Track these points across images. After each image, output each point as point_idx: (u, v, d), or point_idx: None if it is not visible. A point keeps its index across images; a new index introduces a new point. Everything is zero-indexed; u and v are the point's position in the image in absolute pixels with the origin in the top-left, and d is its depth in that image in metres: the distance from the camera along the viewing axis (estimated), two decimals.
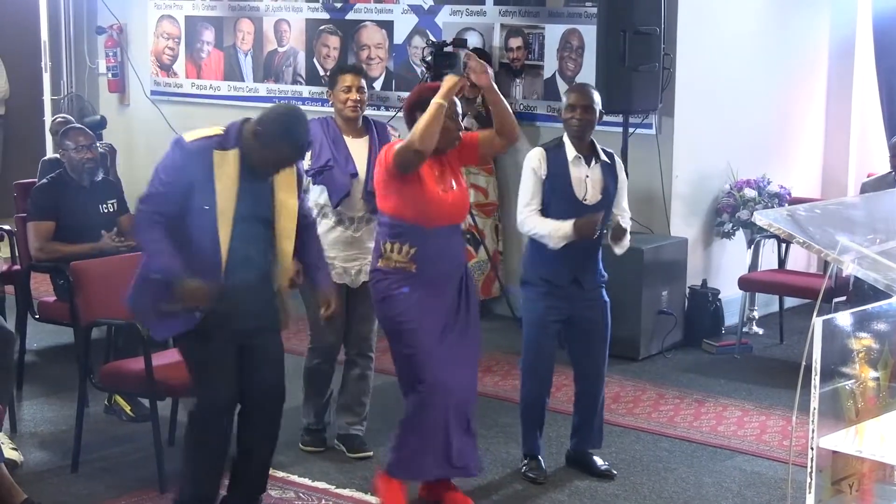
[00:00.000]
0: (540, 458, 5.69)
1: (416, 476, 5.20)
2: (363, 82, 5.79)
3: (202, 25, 10.03)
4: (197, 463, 4.87)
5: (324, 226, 5.67)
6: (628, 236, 5.54)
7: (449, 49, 8.13)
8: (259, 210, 4.76)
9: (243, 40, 9.84)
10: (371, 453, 5.79)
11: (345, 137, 5.74)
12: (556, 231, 5.39)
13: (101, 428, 6.13)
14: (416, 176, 4.99)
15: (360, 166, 5.68)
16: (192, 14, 10.08)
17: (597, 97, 5.53)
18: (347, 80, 5.73)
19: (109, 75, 10.41)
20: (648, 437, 6.20)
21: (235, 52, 9.85)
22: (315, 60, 9.25)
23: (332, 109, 5.85)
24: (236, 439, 4.95)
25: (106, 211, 6.91)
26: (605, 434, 5.80)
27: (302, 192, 5.00)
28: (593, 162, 5.54)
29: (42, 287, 7.65)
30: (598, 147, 5.58)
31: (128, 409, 6.30)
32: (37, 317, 6.89)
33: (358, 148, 5.74)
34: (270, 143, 4.64)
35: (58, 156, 7.26)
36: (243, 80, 9.77)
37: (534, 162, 5.51)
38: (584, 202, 5.49)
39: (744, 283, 7.84)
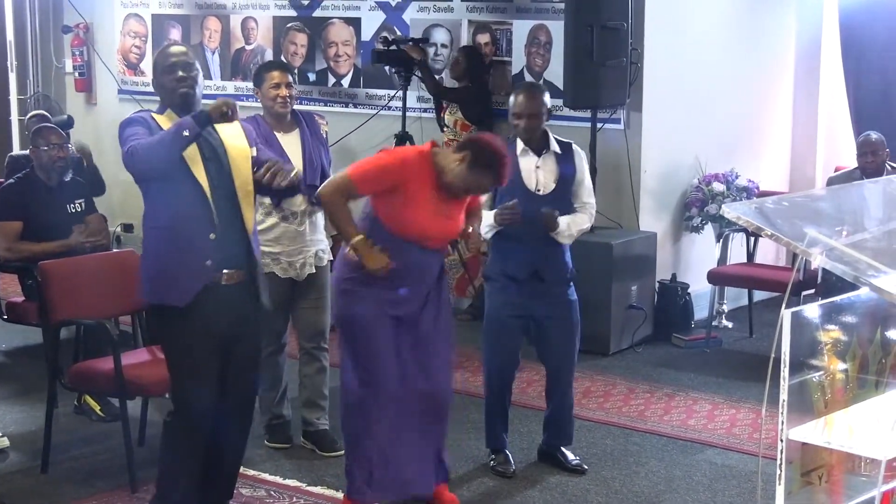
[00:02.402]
0: (507, 452, 5.70)
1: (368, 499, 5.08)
2: (290, 78, 5.85)
3: (169, 24, 9.99)
4: (178, 466, 4.82)
5: (267, 223, 5.73)
6: (563, 224, 5.48)
7: (394, 48, 8.22)
8: (216, 157, 4.70)
9: (210, 38, 9.81)
10: (342, 451, 5.78)
11: (276, 134, 5.76)
12: (484, 221, 5.40)
13: (70, 428, 6.10)
14: (418, 196, 4.93)
15: (296, 160, 5.68)
16: (158, 12, 10.03)
17: (544, 100, 5.53)
18: (275, 76, 5.76)
19: (76, 74, 10.36)
20: (619, 432, 6.22)
21: (203, 50, 9.80)
22: (283, 58, 9.21)
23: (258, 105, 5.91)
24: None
25: (73, 210, 6.88)
26: (575, 429, 5.81)
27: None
28: (544, 152, 5.55)
29: (10, 288, 7.60)
30: (552, 138, 5.58)
31: (97, 408, 6.27)
32: (4, 317, 6.85)
33: (290, 142, 5.77)
34: (158, 78, 4.77)
35: (26, 152, 7.22)
36: (211, 79, 9.73)
37: None
38: (538, 193, 5.50)
39: (713, 277, 7.87)
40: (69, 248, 6.52)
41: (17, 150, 9.95)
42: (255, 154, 4.85)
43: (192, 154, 4.62)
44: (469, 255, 7.98)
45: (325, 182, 5.11)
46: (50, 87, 10.60)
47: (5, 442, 5.88)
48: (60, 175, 6.90)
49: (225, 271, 4.69)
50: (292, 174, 4.78)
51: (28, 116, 8.11)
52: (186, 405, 4.79)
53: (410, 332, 5.03)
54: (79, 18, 10.37)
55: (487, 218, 5.41)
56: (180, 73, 4.73)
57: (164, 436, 4.87)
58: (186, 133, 4.53)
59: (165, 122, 4.69)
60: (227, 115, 4.58)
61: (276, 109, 5.74)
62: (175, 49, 4.90)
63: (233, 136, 4.80)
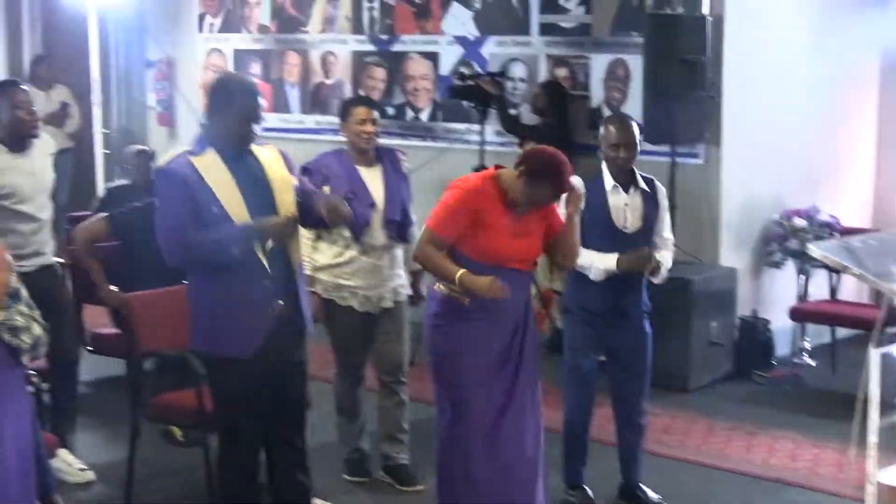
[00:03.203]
0: (585, 487, 5.66)
1: None
2: (376, 114, 5.89)
3: (250, 58, 10.11)
4: (234, 488, 4.90)
5: (346, 256, 5.77)
6: (662, 269, 5.48)
7: (470, 83, 8.23)
8: (260, 193, 4.72)
9: (290, 72, 9.91)
10: (422, 487, 5.78)
11: (358, 168, 5.81)
12: (598, 263, 5.37)
13: (154, 458, 6.14)
14: (492, 221, 4.93)
15: (377, 196, 5.77)
16: (240, 47, 10.17)
17: (636, 130, 5.52)
18: (362, 112, 5.81)
19: (159, 108, 10.52)
20: (699, 470, 6.16)
21: (283, 85, 9.92)
22: (361, 92, 9.28)
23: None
24: (267, 461, 4.97)
25: None
26: (655, 466, 5.76)
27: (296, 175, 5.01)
28: (632, 189, 5.52)
29: (97, 319, 7.70)
30: (638, 174, 5.56)
31: (178, 434, 6.33)
32: (90, 348, 6.93)
33: (372, 178, 5.82)
34: (221, 111, 4.68)
35: (126, 182, 7.36)
36: (290, 112, 9.83)
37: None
38: (625, 231, 5.47)
39: (795, 314, 7.78)
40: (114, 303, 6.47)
41: (101, 182, 10.11)
42: (296, 184, 4.89)
43: (230, 196, 4.63)
44: (545, 288, 7.99)
45: (416, 246, 5.10)
46: (133, 121, 10.76)
47: (90, 475, 5.93)
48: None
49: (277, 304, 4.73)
50: (346, 213, 4.83)
51: (134, 151, 8.23)
52: (236, 443, 4.84)
53: (502, 367, 5.02)
54: (161, 54, 10.53)
55: (605, 262, 5.36)
56: (252, 122, 4.72)
57: (219, 477, 4.92)
58: (235, 251, 4.57)
59: (205, 166, 4.66)
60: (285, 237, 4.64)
61: (361, 145, 5.79)
62: (246, 84, 4.86)
63: (274, 164, 4.81)
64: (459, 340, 4.96)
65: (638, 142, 5.50)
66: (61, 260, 6.13)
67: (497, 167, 5.09)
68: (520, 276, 5.02)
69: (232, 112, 4.69)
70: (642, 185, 5.52)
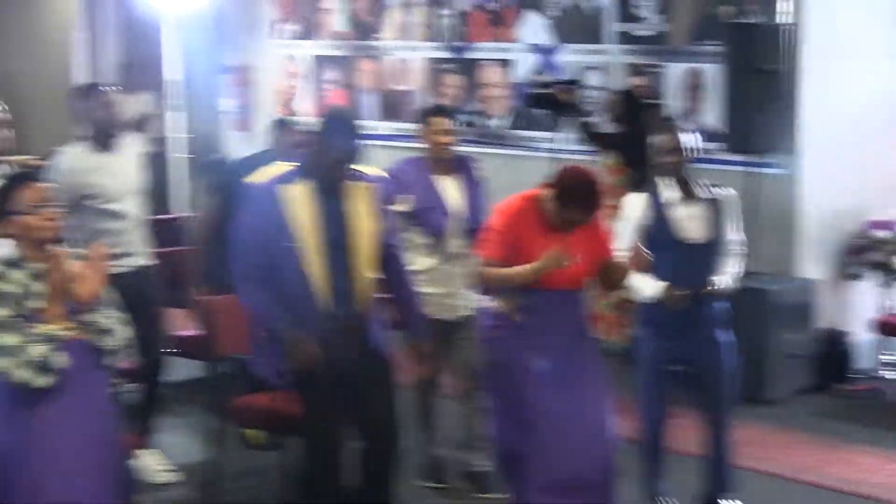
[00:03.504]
0: (664, 498, 5.63)
1: None
2: (454, 123, 5.93)
3: (326, 65, 10.17)
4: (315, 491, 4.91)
5: (422, 264, 5.76)
6: (722, 283, 5.40)
7: (545, 91, 8.21)
8: (339, 236, 4.78)
9: (365, 79, 9.96)
10: (500, 495, 5.77)
11: (435, 176, 5.84)
12: (646, 291, 5.35)
13: (236, 459, 6.18)
14: (533, 242, 4.94)
15: (454, 204, 5.80)
16: (315, 54, 10.22)
17: (683, 136, 5.46)
18: (442, 122, 5.86)
19: (234, 114, 10.60)
20: (776, 482, 6.10)
21: (357, 91, 9.96)
22: (436, 99, 9.31)
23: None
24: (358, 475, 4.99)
25: None
26: (733, 478, 5.70)
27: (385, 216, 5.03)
28: (694, 200, 5.47)
29: (177, 322, 7.76)
30: (698, 182, 5.49)
31: (255, 436, 6.37)
32: (172, 350, 6.99)
33: (449, 186, 5.85)
34: (323, 149, 4.72)
35: None
36: (365, 119, 9.87)
37: (636, 208, 5.44)
38: (691, 242, 5.43)
39: (878, 326, 7.68)
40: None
41: (176, 187, 10.20)
42: (409, 207, 4.91)
43: (305, 236, 4.67)
44: (619, 298, 7.94)
45: (475, 275, 5.14)
46: (209, 126, 10.85)
47: (172, 476, 6.00)
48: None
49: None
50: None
51: (275, 123, 8.46)
52: (314, 440, 4.87)
53: (559, 380, 5.02)
54: (237, 60, 10.62)
55: (651, 288, 5.33)
56: (349, 163, 4.75)
57: (302, 480, 4.97)
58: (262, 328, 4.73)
59: (292, 197, 4.70)
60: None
61: (439, 154, 5.82)
62: (349, 125, 4.81)
63: (362, 208, 4.83)
64: (512, 354, 4.98)
65: (688, 147, 5.45)
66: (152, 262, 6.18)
67: (544, 185, 5.09)
68: (570, 297, 5.05)
69: (330, 152, 4.74)
70: (703, 193, 5.47)
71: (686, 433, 5.87)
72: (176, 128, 10.62)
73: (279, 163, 4.87)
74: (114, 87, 6.04)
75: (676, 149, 5.39)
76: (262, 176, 4.83)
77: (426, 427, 6.01)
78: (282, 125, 7.05)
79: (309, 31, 10.27)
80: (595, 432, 5.03)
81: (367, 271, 4.83)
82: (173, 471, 6.06)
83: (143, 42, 11.26)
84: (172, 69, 10.18)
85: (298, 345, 4.70)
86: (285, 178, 4.76)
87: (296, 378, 4.83)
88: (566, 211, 4.88)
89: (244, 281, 4.79)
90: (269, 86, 10.52)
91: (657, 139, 5.45)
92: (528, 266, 4.86)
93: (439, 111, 6.03)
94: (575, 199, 4.86)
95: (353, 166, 4.80)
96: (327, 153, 4.74)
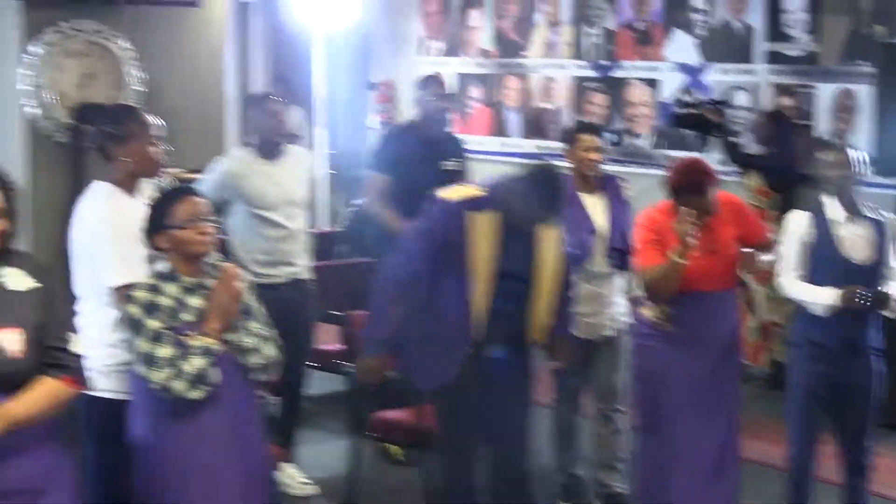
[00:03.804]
0: None
1: None
2: (601, 142, 5.92)
3: (471, 82, 10.23)
4: None
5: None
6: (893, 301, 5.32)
7: (692, 110, 8.14)
8: (518, 269, 4.81)
9: (510, 97, 9.99)
10: None
11: (581, 195, 5.82)
12: (820, 299, 5.22)
13: (374, 474, 6.25)
14: (670, 241, 4.94)
15: (599, 223, 5.78)
16: (461, 71, 10.30)
17: (851, 152, 5.36)
18: (590, 140, 5.85)
19: (380, 130, 10.71)
20: None
21: (502, 109, 10.00)
22: (581, 118, 9.30)
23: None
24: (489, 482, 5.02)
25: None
26: None
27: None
28: (859, 219, 5.35)
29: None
30: (862, 203, 5.37)
31: (399, 452, 6.42)
32: (313, 364, 7.10)
33: (594, 205, 5.84)
34: (526, 201, 4.70)
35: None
36: (509, 136, 9.91)
37: (800, 226, 5.35)
38: (855, 263, 5.31)
39: None
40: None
41: (327, 201, 10.35)
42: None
43: (482, 266, 4.71)
44: (765, 320, 7.83)
45: (639, 286, 5.21)
46: (355, 142, 10.98)
47: (312, 489, 6.08)
48: (442, 125, 7.13)
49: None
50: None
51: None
52: (449, 455, 4.91)
53: (705, 392, 4.99)
54: (383, 76, 10.75)
55: (824, 296, 5.19)
56: (551, 212, 4.81)
57: (439, 495, 5.02)
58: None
59: (479, 225, 4.72)
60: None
61: (587, 172, 5.82)
62: (556, 177, 4.84)
63: (552, 247, 4.88)
64: (664, 363, 4.98)
65: (856, 163, 5.34)
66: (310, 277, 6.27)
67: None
68: (720, 300, 5.05)
69: (534, 201, 4.74)
70: (869, 213, 5.37)
71: (831, 461, 5.75)
72: (320, 143, 10.80)
73: (467, 185, 4.90)
74: (281, 99, 6.19)
75: (844, 165, 5.30)
76: (453, 194, 4.86)
77: (566, 447, 6.00)
78: (429, 81, 7.16)
79: (455, 48, 10.35)
80: (725, 454, 5.02)
81: (543, 310, 4.88)
82: (312, 484, 6.14)
83: (290, 57, 11.47)
84: (319, 85, 10.35)
85: (370, 363, 4.78)
86: (475, 204, 4.77)
87: (435, 394, 4.88)
88: (683, 201, 4.88)
89: (390, 285, 4.83)
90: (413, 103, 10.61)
91: (824, 155, 5.37)
92: (669, 256, 4.89)
93: (587, 128, 6.03)
94: (682, 185, 4.90)
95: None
96: (529, 207, 4.75)
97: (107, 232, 4.41)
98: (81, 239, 4.44)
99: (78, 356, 3.68)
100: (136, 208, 4.43)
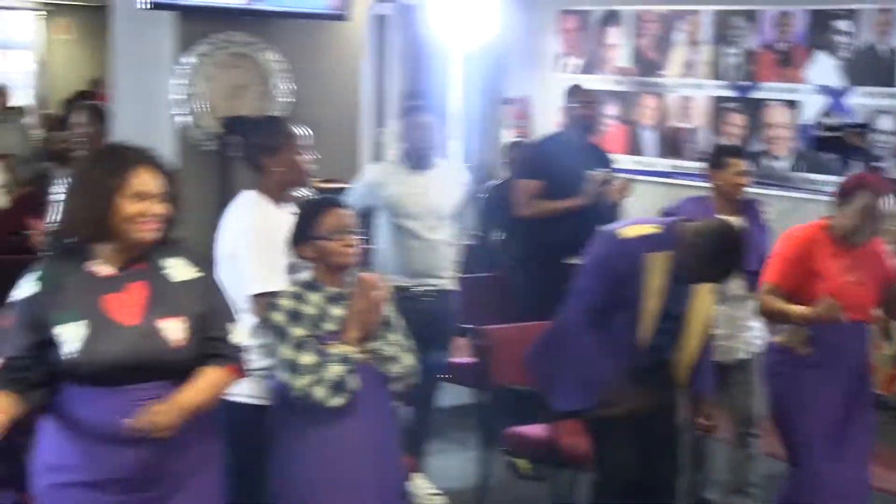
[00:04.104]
0: None
1: None
2: (748, 165, 5.92)
3: (607, 100, 10.20)
4: None
5: None
6: None
7: (834, 134, 8.00)
8: (677, 308, 4.81)
9: (646, 115, 9.94)
10: None
11: (722, 217, 5.72)
12: None
13: (503, 487, 6.26)
14: (823, 268, 4.89)
15: None
16: (598, 88, 10.26)
17: None
18: (740, 164, 5.82)
19: (513, 145, 10.73)
20: None
21: (638, 127, 9.96)
22: (719, 139, 9.21)
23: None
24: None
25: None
26: None
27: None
28: None
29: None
30: None
31: (528, 466, 6.42)
32: (447, 377, 7.14)
33: None
34: (704, 261, 4.66)
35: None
36: (644, 155, 9.86)
37: None
38: None
39: None
40: (581, 205, 6.72)
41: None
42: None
43: (649, 308, 4.71)
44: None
45: (760, 305, 5.13)
46: (490, 156, 11.03)
47: (441, 500, 6.11)
48: (587, 134, 7.13)
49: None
50: None
51: (510, 143, 8.96)
52: (608, 475, 4.93)
53: (840, 419, 4.93)
54: (519, 92, 10.78)
55: None
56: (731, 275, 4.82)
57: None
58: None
59: (653, 265, 4.72)
60: None
61: (735, 195, 5.78)
62: (739, 243, 4.78)
63: (706, 303, 4.87)
64: (800, 390, 4.93)
65: None
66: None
67: (826, 218, 5.07)
68: (857, 329, 5.00)
69: (714, 265, 4.72)
70: None
71: None
72: (454, 157, 10.87)
73: (644, 224, 4.90)
74: (427, 111, 6.27)
75: None
76: (630, 231, 4.85)
77: (697, 469, 5.95)
78: (576, 90, 7.24)
79: (592, 65, 10.33)
80: (855, 484, 4.95)
81: (691, 352, 4.90)
82: (441, 495, 6.18)
83: (427, 70, 11.57)
84: (454, 98, 10.42)
85: (620, 391, 4.78)
86: (652, 244, 4.76)
87: (600, 417, 4.89)
88: (859, 205, 4.90)
89: (578, 327, 4.85)
90: (548, 119, 10.62)
91: None
92: (804, 309, 4.85)
93: (735, 152, 6.01)
94: (859, 188, 4.93)
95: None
96: (709, 270, 4.73)
97: (249, 240, 4.50)
98: (225, 246, 4.54)
99: (238, 346, 3.79)
100: (280, 218, 4.52)
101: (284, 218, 4.51)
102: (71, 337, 3.47)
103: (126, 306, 3.55)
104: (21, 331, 3.50)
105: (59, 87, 18.21)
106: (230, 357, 3.73)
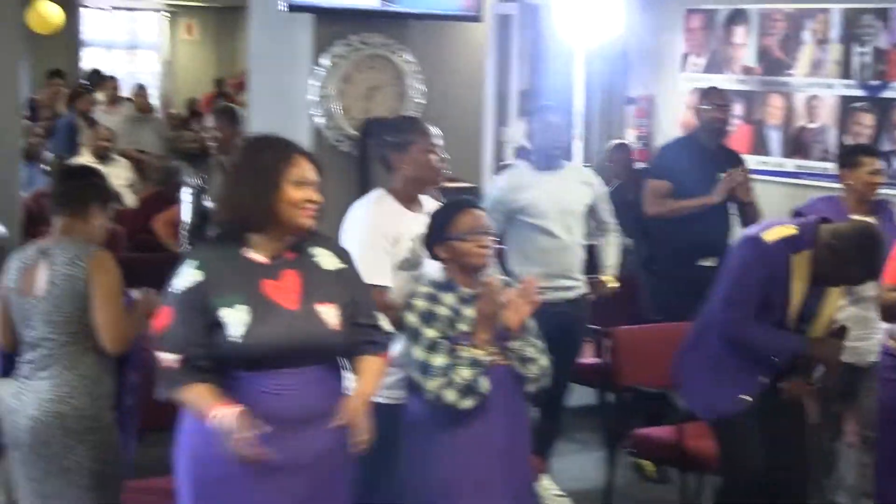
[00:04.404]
0: None
1: None
2: (882, 164, 5.87)
3: (733, 99, 10.09)
4: None
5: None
6: None
7: None
8: (811, 310, 4.78)
9: (772, 115, 9.82)
10: None
11: (854, 218, 5.66)
12: None
13: (627, 490, 6.27)
14: None
15: None
16: (722, 87, 10.15)
17: None
18: (875, 163, 5.76)
19: (638, 145, 10.70)
20: None
21: (763, 127, 9.84)
22: (846, 138, 9.06)
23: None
24: None
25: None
26: None
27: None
28: None
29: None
30: None
31: (652, 469, 6.40)
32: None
33: None
34: (844, 263, 4.61)
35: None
36: (770, 155, 9.74)
37: None
38: None
39: None
40: (711, 203, 6.70)
41: None
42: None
43: (794, 308, 4.69)
44: None
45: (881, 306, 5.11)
46: (608, 156, 10.98)
47: (566, 502, 6.11)
48: (719, 137, 7.08)
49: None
50: None
51: (613, 146, 9.05)
52: (737, 477, 4.90)
53: None
54: (643, 91, 10.72)
55: None
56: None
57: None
58: (775, 360, 4.74)
59: (798, 266, 4.68)
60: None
61: (869, 196, 5.71)
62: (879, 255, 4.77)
63: (836, 297, 4.86)
64: None
65: None
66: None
67: None
68: None
69: (855, 269, 4.70)
70: None
71: None
72: (576, 157, 10.85)
73: (782, 226, 4.87)
74: (556, 110, 6.27)
75: None
76: (771, 234, 4.81)
77: (826, 473, 5.87)
78: (709, 92, 7.21)
79: (717, 64, 10.23)
80: None
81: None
82: (566, 496, 6.18)
83: (550, 69, 11.57)
84: (577, 98, 10.40)
85: (825, 342, 4.78)
86: (794, 245, 4.73)
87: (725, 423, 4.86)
88: None
89: (746, 331, 4.82)
90: (674, 119, 10.55)
91: None
92: None
93: (869, 151, 5.95)
94: None
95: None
96: (849, 273, 4.71)
97: (362, 234, 4.56)
98: (343, 239, 4.60)
99: (389, 333, 3.92)
100: (401, 216, 4.60)
101: (408, 216, 4.59)
102: (235, 321, 3.54)
103: (284, 292, 3.63)
104: (189, 319, 3.57)
105: (182, 87, 18.61)
106: (383, 344, 3.85)
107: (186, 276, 3.61)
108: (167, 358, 3.57)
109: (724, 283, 4.85)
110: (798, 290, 4.67)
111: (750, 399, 4.78)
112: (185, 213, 6.71)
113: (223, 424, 3.39)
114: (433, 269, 4.52)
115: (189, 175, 6.78)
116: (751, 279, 4.74)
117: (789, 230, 4.76)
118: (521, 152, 8.46)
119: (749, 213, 6.74)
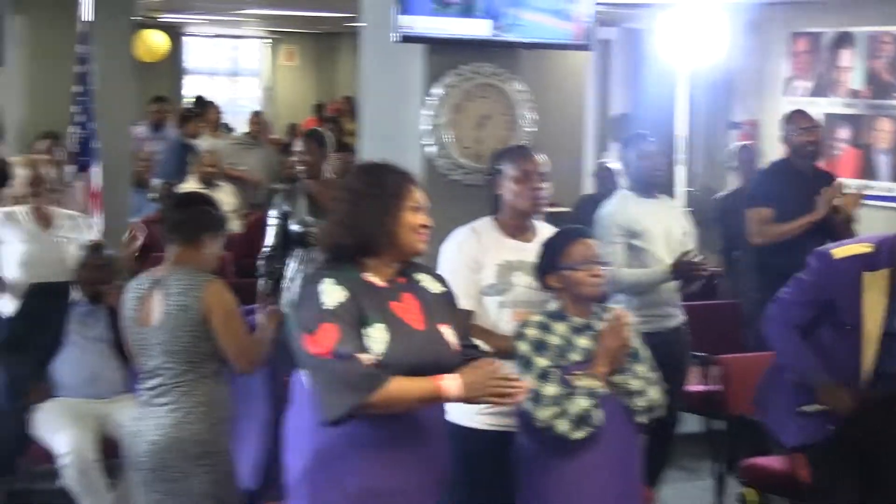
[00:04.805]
0: None
1: None
2: None
3: (839, 123, 9.98)
4: None
5: None
6: None
7: None
8: (894, 327, 4.67)
9: (881, 139, 9.69)
10: None
11: None
12: None
13: None
14: None
15: None
16: (829, 111, 10.05)
17: None
18: None
19: (738, 169, 10.59)
20: None
21: (872, 151, 9.71)
22: None
23: None
24: None
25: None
26: None
27: None
28: None
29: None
30: None
31: (753, 498, 6.32)
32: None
33: None
34: None
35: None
36: (879, 180, 9.60)
37: None
38: None
39: None
40: (815, 219, 6.64)
41: None
42: None
43: (871, 326, 4.59)
44: None
45: None
46: (714, 181, 10.91)
47: None
48: (812, 160, 7.03)
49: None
50: None
51: (738, 147, 9.13)
52: None
53: None
54: (747, 115, 10.64)
55: None
56: None
57: None
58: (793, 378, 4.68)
59: (871, 282, 4.60)
60: None
61: None
62: None
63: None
64: None
65: None
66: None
67: None
68: None
69: None
70: None
71: None
72: (679, 181, 10.79)
73: (857, 244, 4.80)
74: (651, 138, 6.24)
75: None
76: (842, 251, 4.75)
77: None
78: (794, 116, 7.09)
79: (823, 88, 10.13)
80: None
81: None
82: None
83: (652, 93, 11.53)
84: (680, 122, 10.36)
85: (835, 392, 4.67)
86: (868, 263, 4.67)
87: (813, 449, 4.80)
88: None
89: (781, 330, 4.78)
90: (776, 143, 10.44)
91: None
92: None
93: None
94: None
95: None
96: None
97: (446, 259, 4.61)
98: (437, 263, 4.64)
99: (487, 352, 3.95)
100: (499, 244, 4.62)
101: (507, 245, 4.62)
102: (377, 339, 3.57)
103: (410, 313, 3.67)
104: (352, 330, 3.55)
105: (283, 112, 18.85)
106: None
107: (333, 294, 3.59)
108: (366, 357, 3.54)
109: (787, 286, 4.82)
110: (873, 308, 4.59)
111: (810, 410, 4.70)
112: (269, 236, 6.74)
113: (470, 388, 3.54)
114: (523, 294, 4.53)
115: (278, 199, 6.81)
116: (805, 286, 4.70)
117: (863, 248, 4.68)
118: (611, 177, 8.40)
119: (842, 234, 6.63)
